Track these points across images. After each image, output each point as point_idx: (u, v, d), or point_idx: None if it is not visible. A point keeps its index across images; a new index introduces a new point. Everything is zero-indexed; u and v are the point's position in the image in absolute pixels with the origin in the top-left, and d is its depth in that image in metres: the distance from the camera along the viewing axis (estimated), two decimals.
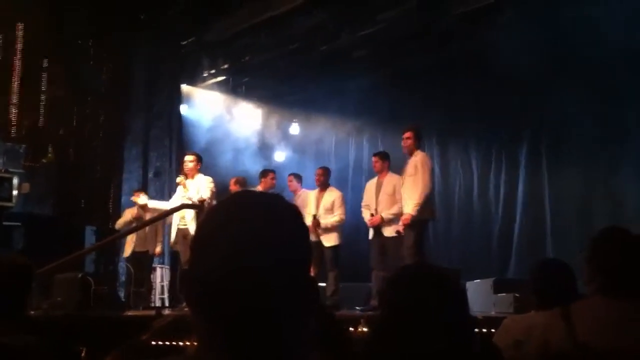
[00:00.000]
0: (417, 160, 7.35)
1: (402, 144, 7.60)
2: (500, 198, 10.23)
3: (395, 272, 1.95)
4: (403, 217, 7.18)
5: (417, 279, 1.87)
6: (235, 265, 1.01)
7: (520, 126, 10.05)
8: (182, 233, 8.01)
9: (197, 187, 7.98)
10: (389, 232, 7.60)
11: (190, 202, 7.89)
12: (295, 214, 1.11)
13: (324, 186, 8.42)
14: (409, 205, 7.19)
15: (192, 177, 8.07)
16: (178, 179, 8.16)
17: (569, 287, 3.29)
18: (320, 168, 8.75)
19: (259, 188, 8.48)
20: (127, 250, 9.25)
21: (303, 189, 8.90)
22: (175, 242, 8.18)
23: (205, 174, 8.29)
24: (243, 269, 1.00)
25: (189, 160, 8.13)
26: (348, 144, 12.57)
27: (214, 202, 7.69)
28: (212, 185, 8.06)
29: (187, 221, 7.99)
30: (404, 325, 1.77)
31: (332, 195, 8.31)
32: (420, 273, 1.93)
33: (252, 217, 1.05)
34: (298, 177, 9.13)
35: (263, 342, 1.01)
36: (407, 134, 7.55)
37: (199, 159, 8.27)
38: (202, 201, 7.76)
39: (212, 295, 1.01)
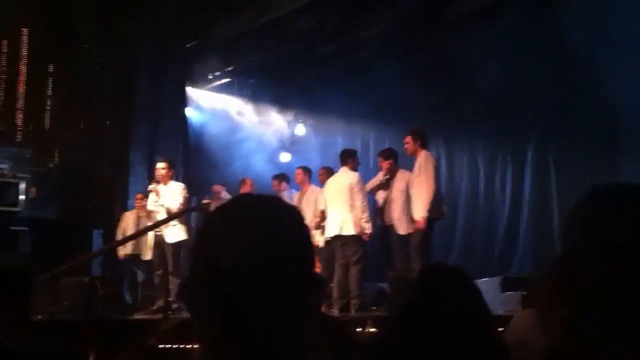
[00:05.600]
0: (421, 161, 7.38)
1: (404, 148, 7.65)
2: (506, 196, 10.20)
3: (414, 273, 2.00)
4: (417, 222, 7.17)
5: (437, 280, 1.88)
6: (238, 270, 1.01)
7: (527, 124, 10.01)
8: (157, 240, 8.07)
9: (171, 194, 7.99)
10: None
11: (165, 209, 7.94)
12: (296, 215, 1.12)
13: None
14: (418, 207, 7.20)
15: (165, 183, 8.09)
16: (150, 187, 8.17)
17: None
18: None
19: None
20: (120, 253, 9.35)
21: (312, 185, 8.87)
22: (150, 249, 8.30)
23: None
24: (247, 274, 1.01)
25: (161, 167, 8.13)
26: (354, 144, 12.55)
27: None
28: (184, 192, 8.09)
29: (161, 229, 7.97)
30: (421, 323, 1.77)
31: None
32: (439, 273, 1.95)
33: (253, 221, 1.06)
34: (307, 171, 9.12)
35: (265, 344, 1.01)
36: (406, 139, 7.64)
37: (171, 166, 8.29)
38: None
39: (215, 301, 1.02)
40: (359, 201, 7.44)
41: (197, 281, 1.05)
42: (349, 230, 7.38)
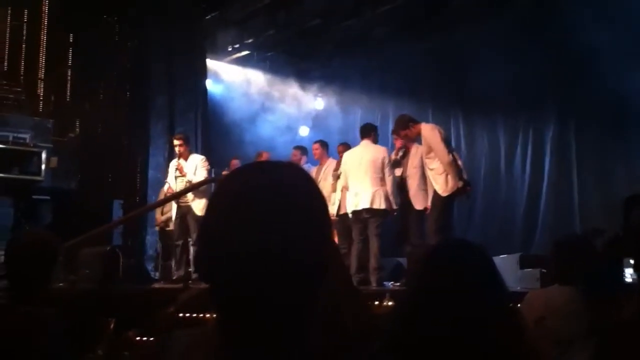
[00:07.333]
0: (425, 135, 7.30)
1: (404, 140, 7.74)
2: (526, 174, 10.12)
3: (428, 248, 1.98)
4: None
5: (450, 255, 1.87)
6: (248, 244, 0.97)
7: (548, 103, 9.90)
8: (182, 211, 8.09)
9: (194, 168, 8.11)
10: None
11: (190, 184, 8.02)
12: (309, 182, 1.07)
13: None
14: (440, 182, 7.28)
15: (186, 158, 8.20)
16: (176, 163, 8.20)
17: (590, 263, 3.31)
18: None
19: None
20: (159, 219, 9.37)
21: (330, 159, 8.85)
22: (173, 219, 8.32)
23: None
24: (256, 247, 0.97)
25: (178, 144, 8.24)
26: (373, 118, 12.49)
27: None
28: (206, 164, 8.21)
29: (187, 199, 8.00)
30: (437, 299, 1.76)
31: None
32: (452, 248, 1.93)
33: (263, 191, 1.01)
34: (324, 145, 9.08)
35: (277, 320, 0.99)
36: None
37: (186, 140, 8.37)
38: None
39: (227, 275, 0.99)
40: (389, 175, 7.44)
41: (208, 258, 1.03)
42: (380, 204, 7.36)
